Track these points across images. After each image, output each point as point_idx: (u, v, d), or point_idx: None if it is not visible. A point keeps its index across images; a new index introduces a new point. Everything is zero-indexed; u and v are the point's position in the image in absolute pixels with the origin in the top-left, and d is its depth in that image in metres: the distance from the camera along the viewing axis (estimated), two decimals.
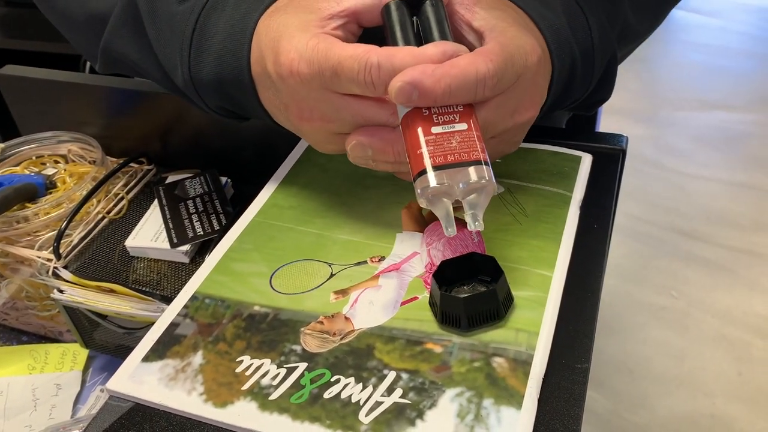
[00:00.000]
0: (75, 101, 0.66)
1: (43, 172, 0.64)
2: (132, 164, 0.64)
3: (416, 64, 0.36)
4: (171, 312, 0.39)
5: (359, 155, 0.39)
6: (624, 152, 0.49)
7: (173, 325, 0.39)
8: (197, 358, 0.36)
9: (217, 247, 0.43)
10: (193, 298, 0.40)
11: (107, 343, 0.59)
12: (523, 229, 0.42)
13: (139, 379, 0.36)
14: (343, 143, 0.40)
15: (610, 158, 0.48)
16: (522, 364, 0.34)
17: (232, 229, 0.45)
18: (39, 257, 0.55)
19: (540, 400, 0.33)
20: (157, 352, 0.37)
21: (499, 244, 0.41)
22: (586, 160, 0.47)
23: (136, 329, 0.55)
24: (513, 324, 0.36)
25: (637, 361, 1.48)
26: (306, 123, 0.40)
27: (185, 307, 0.40)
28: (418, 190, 0.36)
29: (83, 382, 0.60)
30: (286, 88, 0.39)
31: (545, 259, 0.39)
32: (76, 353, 0.61)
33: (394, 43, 0.39)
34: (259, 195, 0.48)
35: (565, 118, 0.72)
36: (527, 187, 0.45)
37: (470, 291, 0.37)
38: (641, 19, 0.53)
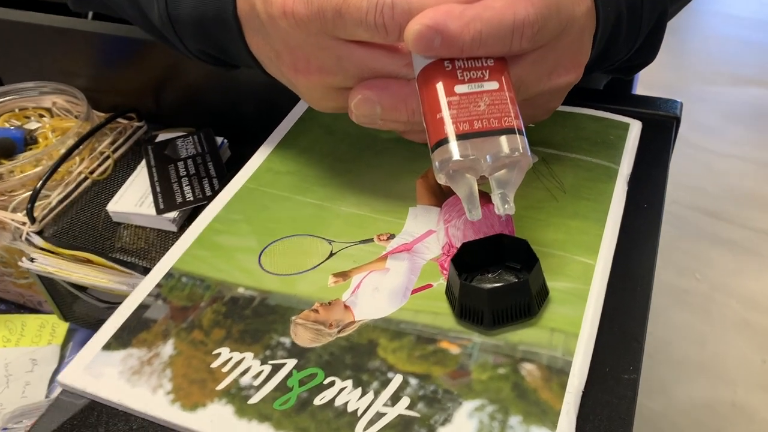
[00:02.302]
0: (61, 49, 0.59)
1: (26, 125, 0.58)
2: (120, 120, 0.58)
3: (439, 4, 0.29)
4: (141, 291, 0.34)
5: (366, 113, 0.33)
6: (678, 120, 0.42)
7: (142, 307, 0.33)
8: (167, 348, 0.31)
9: (200, 216, 0.37)
10: (168, 275, 0.34)
11: (87, 317, 0.53)
12: (561, 206, 0.35)
13: (98, 371, 0.30)
14: (345, 100, 0.34)
15: (662, 126, 0.42)
16: (557, 373, 0.28)
17: (219, 195, 0.39)
18: (13, 220, 0.49)
19: (579, 418, 0.27)
20: (120, 339, 0.31)
21: (531, 224, 0.34)
22: (635, 128, 0.41)
23: (118, 303, 0.50)
24: (547, 322, 0.30)
25: (657, 345, 1.42)
26: (301, 75, 0.34)
27: (158, 285, 0.34)
28: (436, 163, 0.29)
29: (62, 357, 0.55)
30: (278, 33, 0.33)
31: (587, 243, 0.33)
32: (55, 326, 0.56)
33: None
34: (252, 157, 0.41)
35: (604, 81, 0.65)
36: (566, 157, 0.39)
37: (496, 280, 0.30)
38: None
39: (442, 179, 0.30)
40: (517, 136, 0.29)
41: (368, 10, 0.29)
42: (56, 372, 0.54)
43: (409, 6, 0.29)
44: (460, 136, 0.29)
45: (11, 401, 0.51)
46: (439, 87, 0.29)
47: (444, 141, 0.29)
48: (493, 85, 0.29)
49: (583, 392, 0.27)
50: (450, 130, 0.29)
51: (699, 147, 1.96)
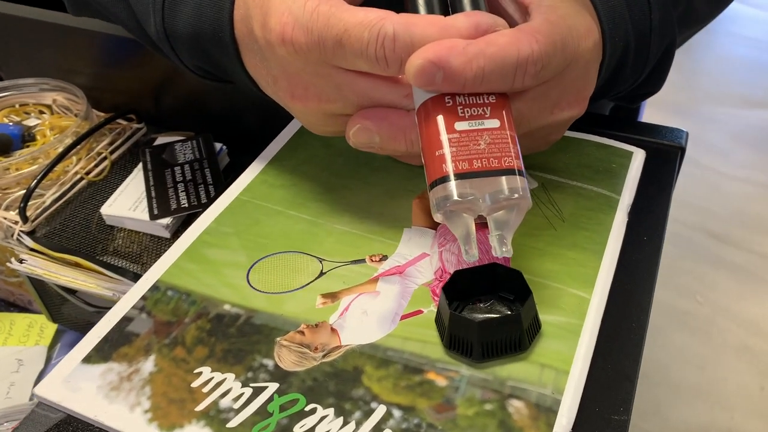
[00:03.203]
0: (63, 46, 0.59)
1: (25, 122, 0.58)
2: (120, 121, 0.57)
3: (442, 38, 0.28)
4: (125, 303, 0.33)
5: (364, 142, 0.32)
6: (683, 150, 0.41)
7: (126, 320, 0.32)
8: (148, 365, 0.30)
9: (190, 227, 0.37)
10: (154, 288, 0.33)
11: (76, 320, 0.53)
12: (558, 236, 0.35)
13: (76, 384, 0.29)
14: (342, 125, 0.33)
15: (665, 156, 0.41)
16: (545, 412, 0.27)
17: (211, 207, 0.38)
18: (5, 219, 0.49)
19: None
20: (101, 353, 0.31)
21: (527, 253, 0.34)
22: (638, 157, 0.40)
23: (107, 308, 0.49)
24: (538, 357, 0.29)
25: (654, 366, 1.41)
26: (298, 102, 0.33)
27: (143, 298, 0.33)
28: (434, 201, 0.29)
29: (48, 358, 0.54)
30: (276, 59, 0.32)
31: (583, 276, 0.32)
32: (43, 326, 0.55)
33: (414, 10, 0.32)
34: (248, 168, 0.41)
35: (609, 105, 0.64)
36: (566, 184, 0.38)
37: (488, 311, 0.30)
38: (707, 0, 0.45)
39: (438, 217, 0.29)
40: (518, 177, 0.28)
41: (369, 42, 0.28)
42: (42, 373, 0.53)
43: (411, 39, 0.28)
44: (459, 176, 0.28)
45: None
46: (440, 123, 0.29)
47: (443, 179, 0.28)
48: (494, 123, 0.29)
49: None
50: (450, 168, 0.28)
51: (706, 168, 1.94)
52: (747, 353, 1.43)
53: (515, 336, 0.28)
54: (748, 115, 2.19)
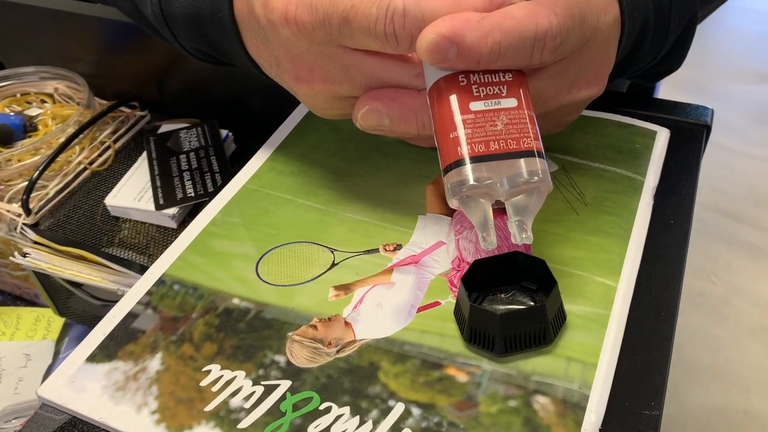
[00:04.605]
0: (64, 33, 0.57)
1: (26, 112, 0.56)
2: (123, 109, 0.56)
3: (455, 12, 0.27)
4: (130, 298, 0.32)
5: (373, 124, 0.31)
6: (709, 128, 0.39)
7: (131, 316, 0.31)
8: (154, 363, 0.29)
9: (196, 218, 0.35)
10: (160, 282, 0.32)
11: (83, 313, 0.52)
12: (581, 221, 0.33)
13: (80, 385, 0.28)
14: (350, 108, 0.31)
15: (690, 135, 0.39)
16: (573, 408, 0.25)
17: (217, 196, 0.36)
18: (8, 211, 0.48)
19: None
20: (106, 351, 0.29)
21: (548, 239, 0.32)
22: (662, 136, 0.38)
23: (113, 301, 0.48)
24: (563, 350, 0.27)
25: None
26: (303, 84, 0.32)
27: (148, 293, 0.32)
28: (449, 186, 0.27)
29: (56, 353, 0.53)
30: (279, 39, 0.31)
31: (609, 263, 0.31)
32: (50, 320, 0.54)
33: None
34: (254, 156, 0.39)
35: (626, 83, 0.62)
36: (588, 165, 0.36)
37: (509, 302, 0.28)
38: None
39: (454, 204, 0.27)
40: (537, 159, 0.27)
41: (378, 18, 0.27)
42: (50, 368, 0.52)
43: (422, 14, 0.27)
44: (475, 159, 0.26)
45: (4, 397, 0.50)
46: (453, 104, 0.27)
47: (458, 163, 0.26)
48: (511, 103, 0.27)
49: (600, 430, 0.25)
50: (465, 151, 0.26)
51: (720, 146, 1.91)
52: (763, 333, 1.42)
53: (540, 328, 0.27)
54: (762, 92, 2.15)
